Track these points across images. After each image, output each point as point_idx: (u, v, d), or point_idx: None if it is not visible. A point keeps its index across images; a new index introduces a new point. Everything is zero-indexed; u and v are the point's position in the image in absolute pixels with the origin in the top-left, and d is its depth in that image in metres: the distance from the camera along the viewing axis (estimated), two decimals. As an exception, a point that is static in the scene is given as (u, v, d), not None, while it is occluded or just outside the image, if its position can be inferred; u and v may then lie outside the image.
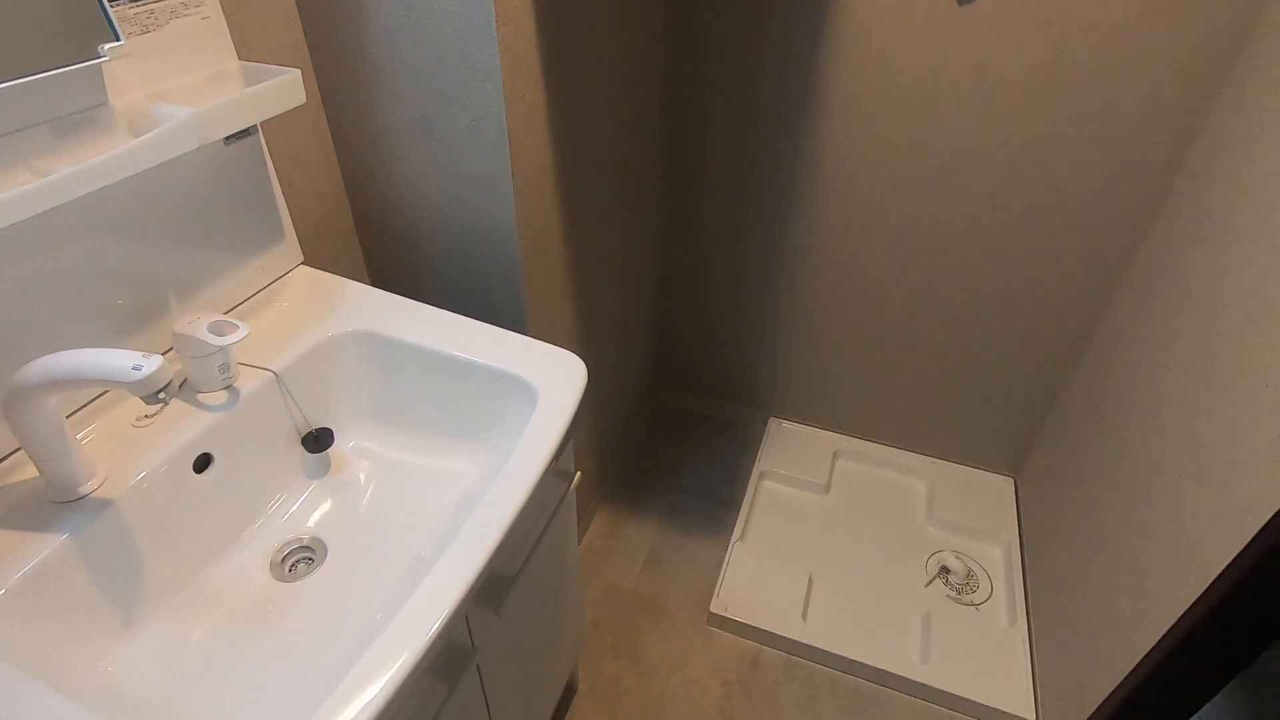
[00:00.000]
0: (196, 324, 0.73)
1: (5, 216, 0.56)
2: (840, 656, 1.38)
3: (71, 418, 0.70)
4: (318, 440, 0.82)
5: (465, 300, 1.08)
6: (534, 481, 0.69)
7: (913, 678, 1.34)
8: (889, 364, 1.65)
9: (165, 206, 0.75)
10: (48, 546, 0.60)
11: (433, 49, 0.84)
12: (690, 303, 1.75)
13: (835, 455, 1.78)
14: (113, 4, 0.64)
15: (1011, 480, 1.72)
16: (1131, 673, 0.98)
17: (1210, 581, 0.84)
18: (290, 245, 0.92)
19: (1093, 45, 1.13)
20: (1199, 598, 0.86)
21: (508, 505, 0.66)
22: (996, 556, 1.58)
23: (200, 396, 0.75)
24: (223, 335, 0.72)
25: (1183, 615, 0.88)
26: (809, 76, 1.32)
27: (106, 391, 0.73)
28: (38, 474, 0.64)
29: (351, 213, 1.07)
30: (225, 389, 0.76)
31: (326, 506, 0.81)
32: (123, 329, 0.74)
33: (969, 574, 1.54)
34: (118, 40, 0.64)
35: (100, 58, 0.63)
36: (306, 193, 0.98)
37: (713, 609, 1.45)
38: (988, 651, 1.39)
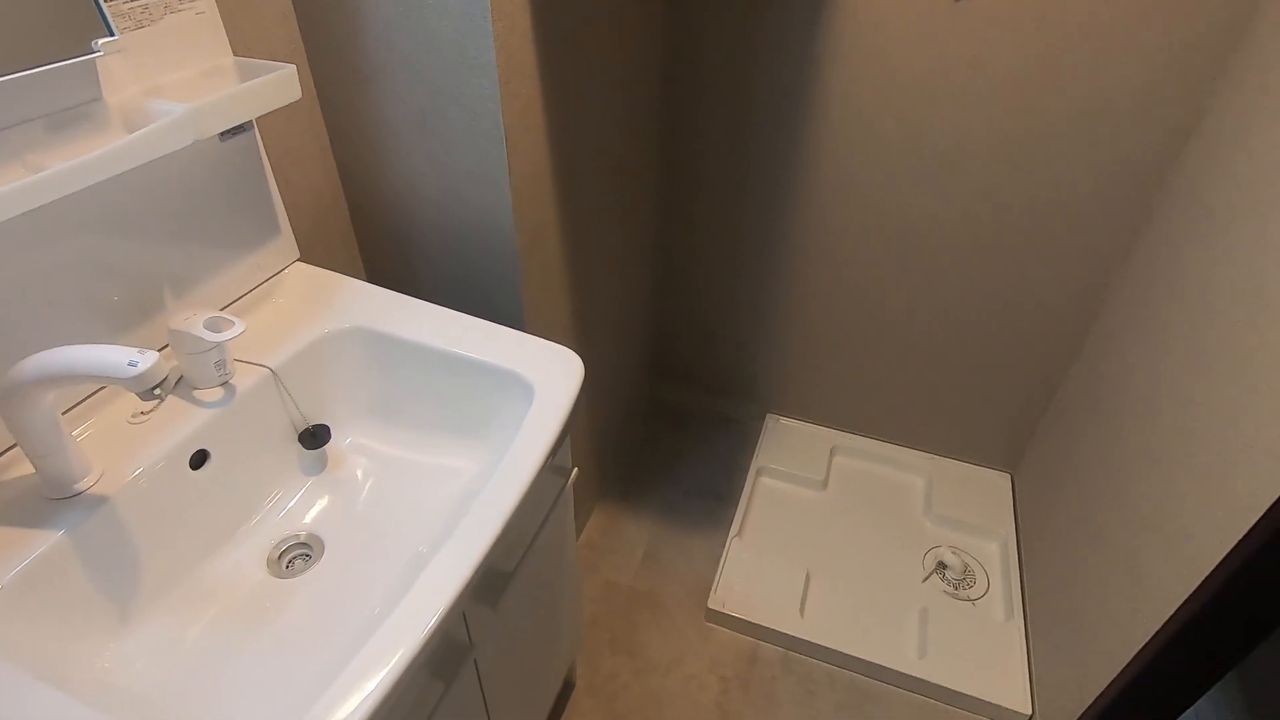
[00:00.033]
0: (192, 320, 0.72)
1: (-1, 212, 0.55)
2: (837, 652, 1.38)
3: (67, 414, 0.70)
4: (314, 437, 0.82)
5: (462, 296, 1.07)
6: (531, 478, 0.69)
7: (910, 673, 1.35)
8: (886, 360, 1.65)
9: (160, 202, 0.75)
10: (44, 543, 0.60)
11: (428, 44, 0.84)
12: (688, 299, 1.75)
13: (833, 451, 1.78)
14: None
15: (1008, 476, 1.73)
16: (1127, 667, 0.98)
17: (1205, 576, 0.85)
18: (286, 241, 0.92)
19: (1090, 43, 1.13)
20: (1194, 593, 0.86)
21: (505, 501, 0.66)
22: (993, 552, 1.58)
23: (196, 393, 0.75)
24: (219, 331, 0.72)
25: (1178, 610, 0.89)
26: (806, 74, 1.31)
27: (102, 388, 0.73)
28: (33, 470, 0.64)
29: (348, 209, 1.07)
30: (221, 385, 0.76)
31: (323, 503, 0.81)
32: (118, 325, 0.74)
33: (966, 569, 1.54)
34: (112, 35, 0.64)
35: (94, 53, 0.63)
36: (303, 189, 0.98)
37: (710, 605, 1.45)
38: (984, 646, 1.40)
